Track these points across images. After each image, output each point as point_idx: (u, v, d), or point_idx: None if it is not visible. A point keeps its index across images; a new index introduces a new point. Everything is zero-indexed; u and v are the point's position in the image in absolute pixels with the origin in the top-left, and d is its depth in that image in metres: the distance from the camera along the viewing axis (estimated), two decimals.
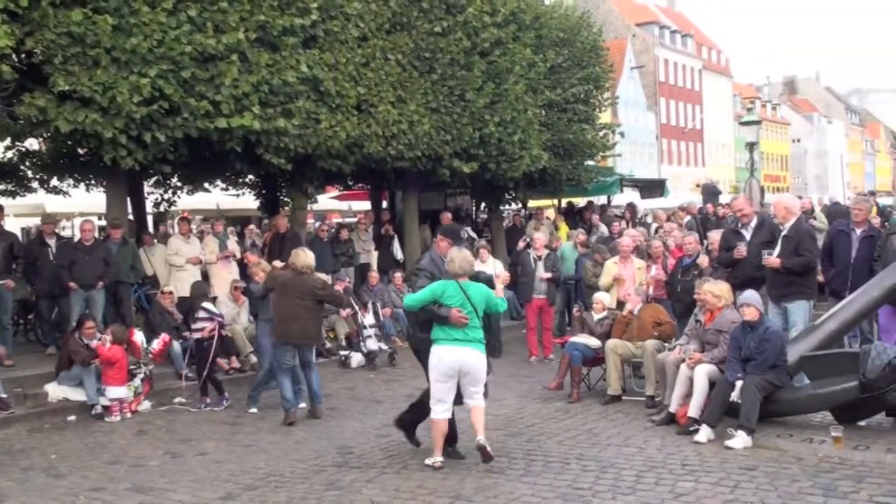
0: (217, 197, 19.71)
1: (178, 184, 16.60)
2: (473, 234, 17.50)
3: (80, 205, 17.42)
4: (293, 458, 7.65)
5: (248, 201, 18.43)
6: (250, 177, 16.66)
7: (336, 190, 22.71)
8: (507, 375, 10.87)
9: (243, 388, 10.43)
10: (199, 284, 11.47)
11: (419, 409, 7.56)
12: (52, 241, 12.15)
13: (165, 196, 16.55)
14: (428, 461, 7.10)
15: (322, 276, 10.42)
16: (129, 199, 13.51)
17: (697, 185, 45.08)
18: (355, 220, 18.54)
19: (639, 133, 53.40)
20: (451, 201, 21.64)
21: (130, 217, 14.38)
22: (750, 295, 7.98)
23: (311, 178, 14.16)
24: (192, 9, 10.56)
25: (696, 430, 7.64)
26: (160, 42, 10.23)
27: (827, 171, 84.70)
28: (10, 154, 13.67)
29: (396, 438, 7.91)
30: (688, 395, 8.05)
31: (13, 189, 14.56)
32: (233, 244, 13.90)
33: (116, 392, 9.60)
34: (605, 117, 22.69)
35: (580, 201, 22.72)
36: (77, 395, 9.87)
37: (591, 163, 20.77)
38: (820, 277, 9.69)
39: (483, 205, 21.86)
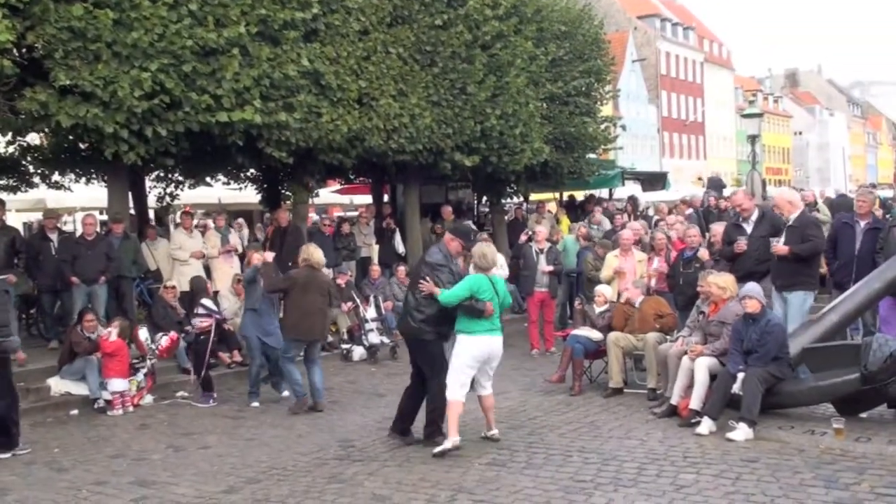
0: (218, 191, 19.73)
1: (180, 178, 16.60)
2: (474, 228, 17.48)
3: (82, 200, 17.41)
4: (295, 452, 7.67)
5: (249, 195, 18.42)
6: (252, 171, 16.65)
7: (337, 184, 22.68)
8: (510, 368, 10.86)
9: (245, 381, 10.44)
10: (198, 280, 11.47)
11: (408, 412, 7.76)
12: (53, 236, 12.18)
13: (167, 190, 16.55)
14: (447, 443, 7.14)
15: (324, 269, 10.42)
16: (130, 193, 13.52)
17: (699, 178, 45.09)
18: (357, 213, 18.53)
19: (640, 126, 53.38)
20: (453, 195, 21.62)
21: (132, 212, 14.39)
22: (752, 287, 7.97)
23: (313, 172, 14.17)
24: (192, 3, 10.55)
25: (698, 423, 7.65)
26: (161, 36, 10.22)
27: (829, 163, 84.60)
28: (11, 149, 13.64)
29: None
30: (689, 388, 8.06)
31: (15, 184, 14.54)
32: (234, 238, 13.89)
33: (118, 385, 9.62)
34: (606, 110, 22.62)
35: (581, 194, 22.71)
36: (79, 389, 9.89)
37: (592, 156, 20.71)
38: (823, 269, 9.67)
39: (484, 198, 21.83)
